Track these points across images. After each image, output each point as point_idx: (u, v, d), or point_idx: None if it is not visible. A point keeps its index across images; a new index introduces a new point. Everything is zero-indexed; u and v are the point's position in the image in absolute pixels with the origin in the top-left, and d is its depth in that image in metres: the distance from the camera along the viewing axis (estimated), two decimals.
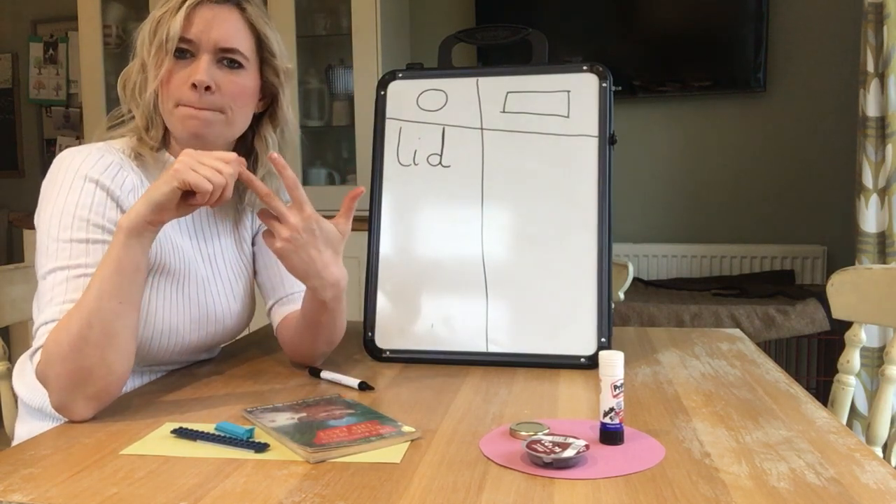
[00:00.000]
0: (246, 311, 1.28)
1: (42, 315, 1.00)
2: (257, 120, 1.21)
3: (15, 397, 1.36)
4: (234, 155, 1.00)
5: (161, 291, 1.13)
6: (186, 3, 1.08)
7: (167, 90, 1.10)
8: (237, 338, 1.36)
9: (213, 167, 0.97)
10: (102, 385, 0.96)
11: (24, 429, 1.17)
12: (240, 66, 1.12)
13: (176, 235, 1.16)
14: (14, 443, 1.19)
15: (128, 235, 0.96)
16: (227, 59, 1.11)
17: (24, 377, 1.19)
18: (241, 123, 1.16)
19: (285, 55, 1.20)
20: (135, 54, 1.14)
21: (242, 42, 1.12)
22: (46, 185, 1.08)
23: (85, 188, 1.05)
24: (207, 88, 1.09)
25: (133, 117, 1.15)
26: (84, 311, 0.94)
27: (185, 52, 1.10)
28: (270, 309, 1.30)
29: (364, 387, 1.08)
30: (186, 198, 0.97)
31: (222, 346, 1.36)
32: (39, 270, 1.04)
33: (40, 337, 0.99)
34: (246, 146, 1.22)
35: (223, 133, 1.14)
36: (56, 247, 1.02)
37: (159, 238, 1.11)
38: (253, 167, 1.21)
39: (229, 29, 1.11)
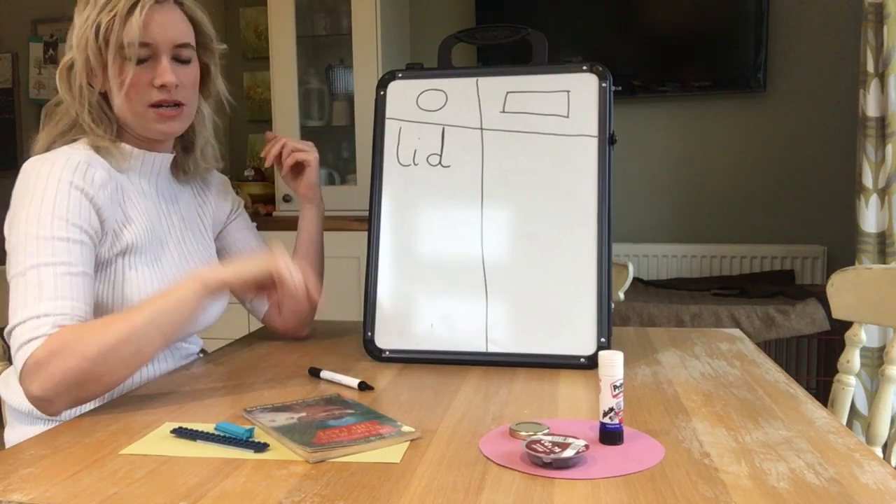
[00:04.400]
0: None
1: (27, 310, 1.00)
2: None
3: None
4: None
5: (137, 270, 1.16)
6: (138, 9, 1.11)
7: (134, 93, 1.14)
8: (231, 333, 1.36)
9: (299, 274, 1.08)
10: (93, 394, 1.01)
11: (13, 434, 1.18)
12: (189, 59, 1.19)
13: (144, 220, 1.19)
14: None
15: (205, 291, 1.04)
16: (180, 55, 1.17)
17: (10, 382, 1.19)
18: (195, 107, 1.25)
19: (215, 36, 1.26)
20: (70, 49, 1.16)
21: (188, 35, 1.19)
22: (19, 193, 1.09)
23: (60, 190, 1.07)
24: (175, 86, 1.16)
25: (75, 113, 1.16)
26: (128, 326, 0.99)
27: (142, 55, 1.14)
28: (254, 299, 1.37)
29: (364, 387, 1.08)
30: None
31: (201, 341, 1.38)
32: (16, 268, 1.04)
33: (33, 327, 0.99)
34: None
35: (187, 122, 1.22)
36: (37, 245, 1.04)
37: (126, 225, 1.16)
38: (193, 138, 1.30)
39: (178, 26, 1.17)
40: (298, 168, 1.38)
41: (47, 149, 1.16)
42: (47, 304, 1.00)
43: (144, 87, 1.14)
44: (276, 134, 1.39)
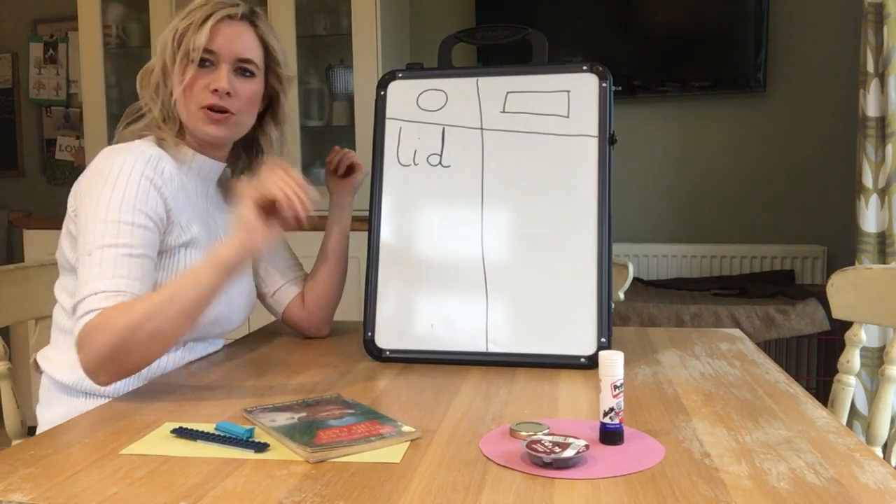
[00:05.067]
0: (251, 294, 1.40)
1: (89, 286, 1.08)
2: (260, 119, 1.35)
3: (14, 395, 1.36)
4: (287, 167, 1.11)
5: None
6: (211, 19, 1.22)
7: (190, 94, 1.24)
8: (236, 327, 1.37)
9: (284, 180, 1.06)
10: (129, 368, 1.08)
11: (50, 413, 1.22)
12: (252, 74, 1.27)
13: (196, 220, 1.26)
14: (42, 428, 1.22)
15: (221, 266, 1.06)
16: (242, 68, 1.26)
17: (51, 356, 1.26)
18: (248, 123, 1.31)
19: (288, 63, 1.35)
20: (154, 55, 1.27)
21: (255, 54, 1.27)
22: (93, 179, 1.16)
23: (132, 179, 1.15)
24: (228, 94, 1.23)
25: (149, 110, 1.27)
26: (149, 304, 1.05)
27: (206, 61, 1.23)
28: (276, 292, 1.42)
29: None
30: (269, 216, 1.07)
31: (225, 340, 1.40)
32: (85, 247, 1.12)
33: (90, 302, 1.06)
34: (245, 141, 1.36)
35: (235, 132, 1.29)
36: (104, 227, 1.11)
37: (190, 219, 1.23)
38: (257, 159, 1.38)
39: (245, 43, 1.26)
40: (348, 171, 1.45)
41: (119, 141, 1.24)
42: (105, 282, 1.08)
43: (200, 88, 1.23)
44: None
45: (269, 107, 1.35)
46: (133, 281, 1.10)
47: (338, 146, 1.48)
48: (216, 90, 1.22)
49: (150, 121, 1.27)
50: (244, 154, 1.39)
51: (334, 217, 1.44)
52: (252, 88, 1.27)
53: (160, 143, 1.24)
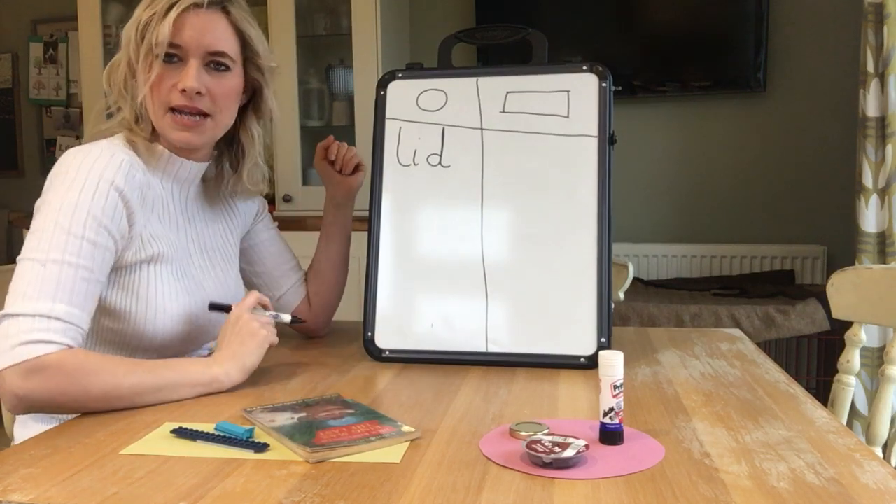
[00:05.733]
0: (236, 299, 1.31)
1: (39, 303, 0.98)
2: (241, 112, 1.23)
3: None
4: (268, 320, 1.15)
5: (162, 279, 1.14)
6: (174, 9, 1.09)
7: (157, 94, 1.12)
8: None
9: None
10: (62, 414, 1.05)
11: (23, 432, 1.18)
12: (227, 68, 1.15)
13: (168, 228, 1.18)
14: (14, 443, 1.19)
15: (218, 386, 1.06)
16: (215, 62, 1.13)
17: None
18: (228, 121, 1.19)
19: (269, 53, 1.22)
20: (120, 49, 1.16)
21: (229, 45, 1.15)
22: (57, 179, 1.07)
23: (100, 188, 1.05)
24: (198, 93, 1.11)
25: (119, 109, 1.17)
26: (136, 388, 1.00)
27: (173, 56, 1.11)
28: (281, 297, 1.39)
29: (295, 321, 1.25)
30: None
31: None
32: (36, 253, 1.01)
33: (43, 330, 0.97)
34: (227, 138, 1.25)
35: (211, 135, 1.18)
36: (66, 239, 1.02)
37: (153, 231, 1.14)
38: (239, 157, 1.26)
39: (216, 34, 1.13)
40: (354, 170, 1.40)
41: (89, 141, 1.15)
42: (60, 308, 0.99)
43: (167, 88, 1.11)
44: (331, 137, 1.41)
45: (252, 100, 1.24)
46: (85, 315, 1.02)
47: (332, 136, 1.40)
48: (184, 90, 1.10)
49: (121, 120, 1.16)
50: (226, 153, 1.27)
51: (337, 217, 1.41)
52: (227, 84, 1.15)
53: (131, 143, 1.14)
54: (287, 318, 1.24)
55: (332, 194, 1.41)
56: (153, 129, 1.15)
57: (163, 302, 1.14)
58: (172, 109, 1.12)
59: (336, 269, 1.42)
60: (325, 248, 1.42)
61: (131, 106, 1.14)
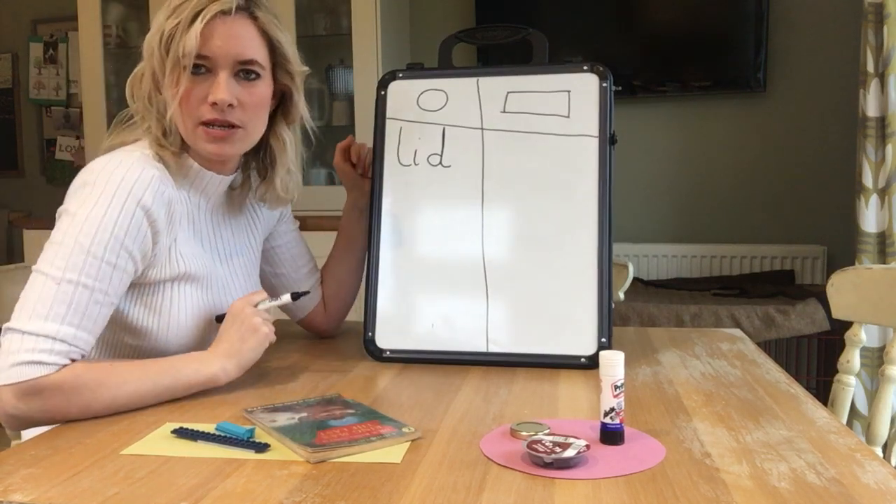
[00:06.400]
0: None
1: (46, 323, 0.96)
2: (270, 118, 1.19)
3: None
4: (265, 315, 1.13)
5: (187, 297, 1.13)
6: (199, 18, 1.04)
7: (186, 108, 1.08)
8: None
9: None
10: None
11: (24, 432, 1.17)
12: (257, 76, 1.11)
13: (194, 242, 1.16)
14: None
15: (215, 383, 1.06)
16: (245, 70, 1.09)
17: None
18: (260, 130, 1.16)
19: (297, 57, 1.17)
20: (142, 59, 1.11)
21: (258, 52, 1.10)
22: (84, 190, 1.03)
23: (126, 207, 1.02)
24: (229, 105, 1.08)
25: (142, 119, 1.13)
26: (136, 396, 1.00)
27: (200, 67, 1.07)
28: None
29: (297, 296, 1.20)
30: None
31: None
32: (52, 269, 0.99)
33: (45, 352, 0.95)
34: (259, 143, 1.21)
35: (244, 145, 1.15)
36: (84, 259, 0.99)
37: (181, 249, 1.12)
38: (270, 165, 1.22)
39: (245, 41, 1.09)
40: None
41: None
42: (68, 330, 0.97)
43: (197, 102, 1.07)
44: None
45: (280, 105, 1.19)
46: (91, 337, 1.00)
47: (352, 136, 1.39)
48: (215, 103, 1.06)
49: (146, 129, 1.12)
50: (253, 160, 1.23)
51: (360, 223, 1.37)
52: (258, 93, 1.11)
53: (158, 156, 1.09)
54: (287, 297, 1.19)
55: (356, 198, 1.38)
56: (182, 141, 1.11)
57: (185, 319, 1.13)
58: (203, 123, 1.08)
59: (354, 274, 1.41)
60: (345, 253, 1.40)
61: (158, 120, 1.10)
